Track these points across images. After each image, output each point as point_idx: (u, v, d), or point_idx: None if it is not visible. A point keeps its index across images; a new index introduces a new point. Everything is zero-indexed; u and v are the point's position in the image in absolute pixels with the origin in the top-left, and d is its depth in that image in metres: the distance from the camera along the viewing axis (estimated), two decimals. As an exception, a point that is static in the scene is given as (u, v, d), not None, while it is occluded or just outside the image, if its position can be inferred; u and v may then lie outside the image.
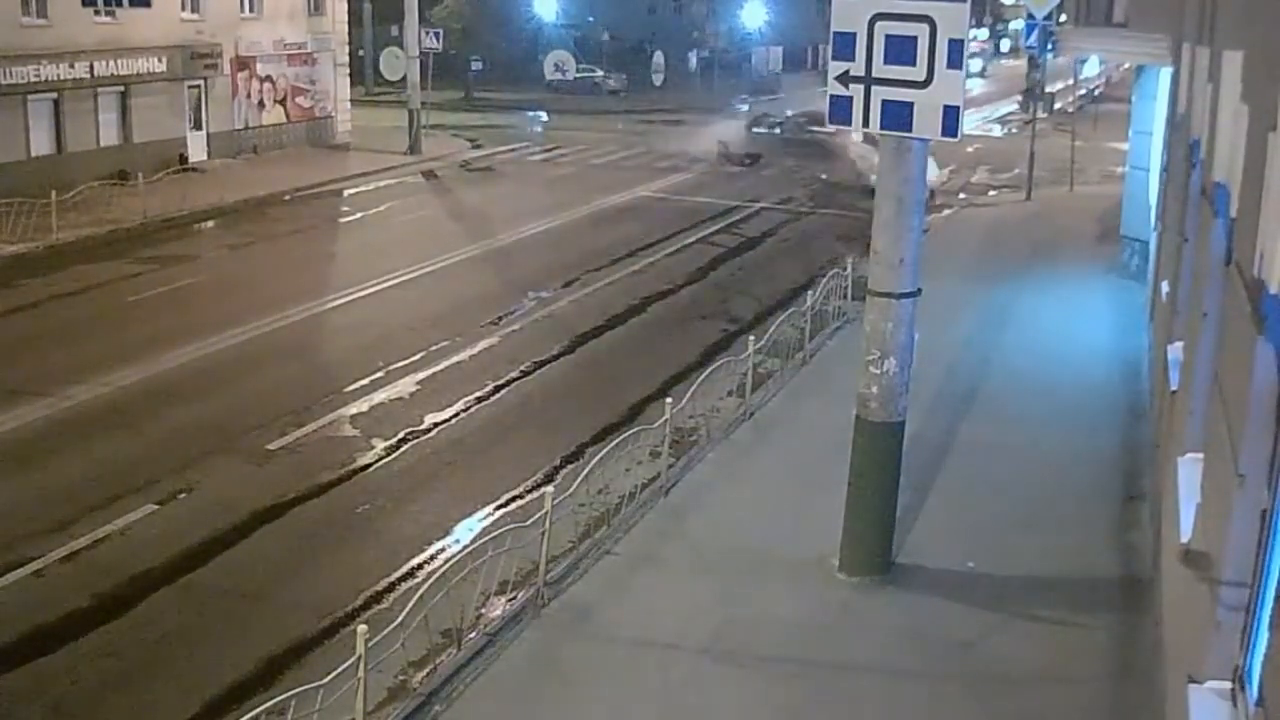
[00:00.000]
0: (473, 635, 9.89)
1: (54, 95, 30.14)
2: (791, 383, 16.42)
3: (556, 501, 10.51)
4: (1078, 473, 13.47)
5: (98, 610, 10.84)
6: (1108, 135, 41.84)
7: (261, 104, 38.15)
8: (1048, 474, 13.39)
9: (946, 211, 30.46)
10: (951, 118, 9.81)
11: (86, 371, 16.86)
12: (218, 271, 23.84)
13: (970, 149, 41.73)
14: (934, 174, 27.85)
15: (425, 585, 9.18)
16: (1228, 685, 6.06)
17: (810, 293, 18.25)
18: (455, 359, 18.16)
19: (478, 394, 16.63)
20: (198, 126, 35.24)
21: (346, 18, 42.69)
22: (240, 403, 16.10)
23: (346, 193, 33.24)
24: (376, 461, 14.36)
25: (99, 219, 26.68)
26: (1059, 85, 56.59)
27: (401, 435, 15.09)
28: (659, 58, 65.56)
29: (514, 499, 13.33)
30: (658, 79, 65.03)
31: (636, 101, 60.11)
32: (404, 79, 40.50)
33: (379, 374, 17.28)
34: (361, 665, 8.18)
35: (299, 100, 39.80)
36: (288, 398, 16.20)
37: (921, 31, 9.78)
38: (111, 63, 31.40)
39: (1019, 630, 10.20)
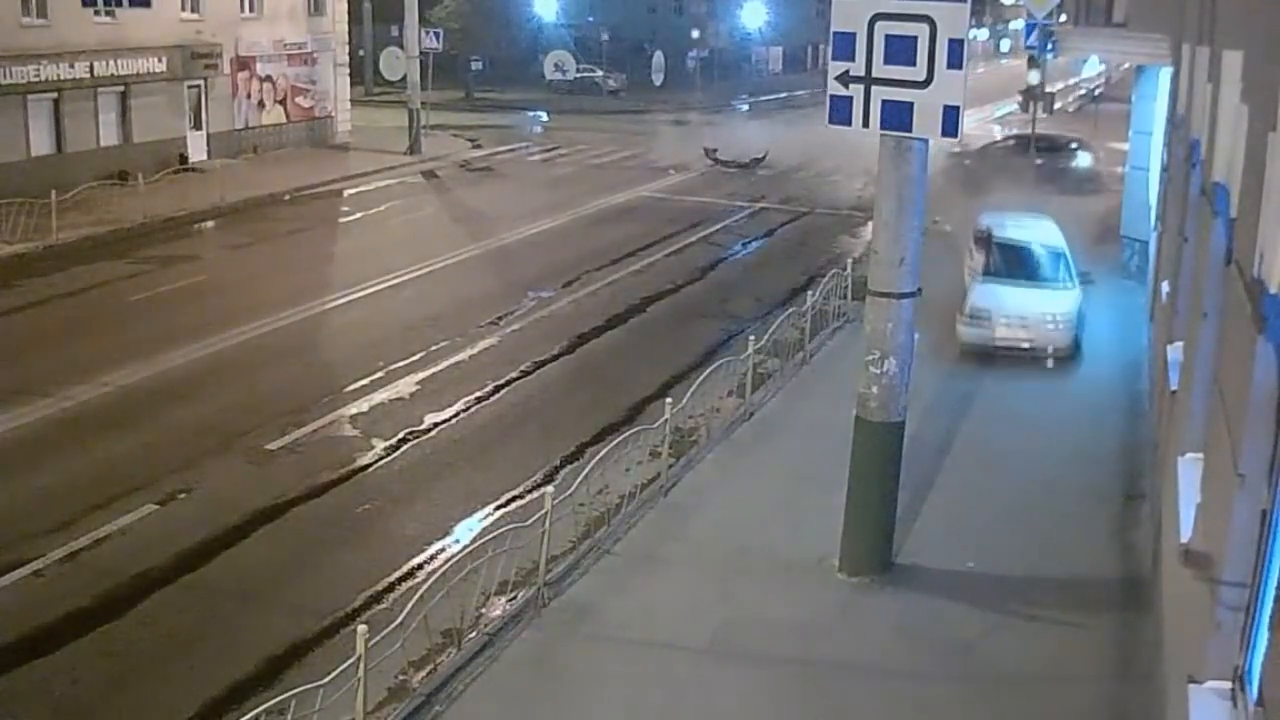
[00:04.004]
0: (473, 635, 9.90)
1: (54, 95, 30.13)
2: (791, 383, 16.42)
3: (556, 501, 10.51)
4: (1078, 472, 13.47)
5: (98, 610, 10.84)
6: (1108, 135, 41.77)
7: (261, 104, 38.13)
8: (1048, 474, 13.39)
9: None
10: (951, 118, 9.83)
11: (86, 371, 16.85)
12: (218, 272, 23.81)
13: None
14: (1071, 305, 17.94)
15: (425, 585, 9.18)
16: (1228, 685, 6.06)
17: (810, 292, 18.24)
18: (455, 359, 18.15)
19: (478, 394, 16.62)
20: (198, 126, 35.24)
21: (346, 18, 42.70)
22: (240, 403, 16.09)
23: (346, 193, 33.23)
24: (376, 461, 14.36)
25: (99, 219, 26.67)
26: (1059, 85, 56.56)
27: (401, 435, 15.09)
28: (659, 58, 65.55)
29: (514, 499, 13.33)
30: (657, 79, 65.00)
31: (636, 101, 60.08)
32: (404, 79, 40.51)
33: (379, 374, 17.27)
34: (361, 665, 8.19)
35: (299, 100, 39.79)
36: (288, 398, 16.20)
37: (921, 31, 9.80)
38: (111, 63, 31.39)
39: (1019, 630, 10.21)
